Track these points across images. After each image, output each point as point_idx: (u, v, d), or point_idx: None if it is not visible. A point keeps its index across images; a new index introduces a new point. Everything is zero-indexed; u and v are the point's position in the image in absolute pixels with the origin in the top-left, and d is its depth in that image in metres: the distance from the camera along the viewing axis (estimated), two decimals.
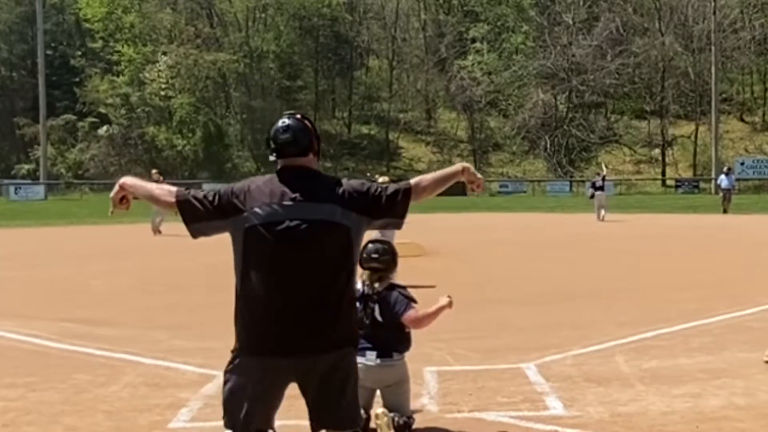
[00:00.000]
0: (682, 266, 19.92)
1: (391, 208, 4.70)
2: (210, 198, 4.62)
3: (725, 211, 42.61)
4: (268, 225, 4.47)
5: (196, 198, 4.65)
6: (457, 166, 5.00)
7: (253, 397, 4.50)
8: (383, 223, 4.81)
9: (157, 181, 29.68)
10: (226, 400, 4.58)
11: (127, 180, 4.91)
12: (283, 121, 4.73)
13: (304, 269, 4.47)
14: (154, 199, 4.87)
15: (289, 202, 4.50)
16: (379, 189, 4.68)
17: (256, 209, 4.50)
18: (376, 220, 4.73)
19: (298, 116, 4.81)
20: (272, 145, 4.70)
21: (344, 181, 4.74)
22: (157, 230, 29.91)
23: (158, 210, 29.58)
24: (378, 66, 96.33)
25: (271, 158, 4.73)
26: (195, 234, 4.72)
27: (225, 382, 4.60)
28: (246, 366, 4.53)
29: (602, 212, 37.05)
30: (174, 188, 4.79)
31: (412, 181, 4.84)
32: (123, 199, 4.89)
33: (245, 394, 4.50)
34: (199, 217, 4.63)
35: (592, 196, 38.49)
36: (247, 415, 4.50)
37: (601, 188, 37.88)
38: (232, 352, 4.63)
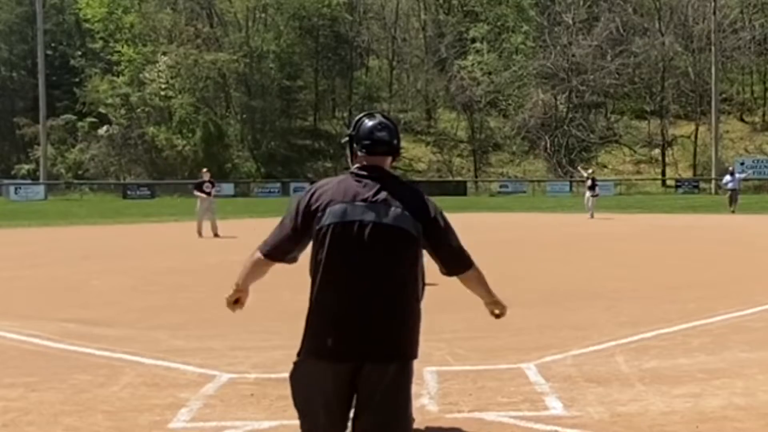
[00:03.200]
0: (682, 266, 19.91)
1: (446, 258, 4.81)
2: (289, 223, 4.67)
3: (733, 212, 42.65)
4: (341, 225, 4.50)
5: (277, 238, 4.71)
6: (501, 304, 5.15)
7: (323, 402, 4.51)
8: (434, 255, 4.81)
9: (207, 181, 29.29)
10: (299, 405, 4.66)
11: (239, 280, 4.87)
12: (381, 121, 4.81)
13: (371, 273, 4.49)
14: (255, 274, 4.85)
15: (364, 203, 4.52)
16: (447, 228, 4.76)
17: (330, 207, 4.53)
18: (431, 254, 4.76)
19: (388, 117, 4.89)
20: (365, 141, 4.73)
21: (426, 196, 4.78)
22: (210, 231, 28.88)
23: (200, 210, 29.17)
24: (378, 66, 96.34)
25: (360, 154, 4.75)
26: (293, 262, 4.82)
27: (294, 387, 4.66)
28: (312, 370, 4.53)
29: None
30: (256, 251, 4.80)
31: (473, 268, 4.91)
32: (237, 301, 4.91)
33: (316, 398, 4.52)
34: (290, 250, 4.73)
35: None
36: (322, 419, 4.54)
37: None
38: (298, 355, 4.64)
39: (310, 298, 4.59)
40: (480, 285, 4.98)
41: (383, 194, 4.55)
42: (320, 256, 4.52)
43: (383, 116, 4.85)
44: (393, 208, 4.51)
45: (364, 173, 4.64)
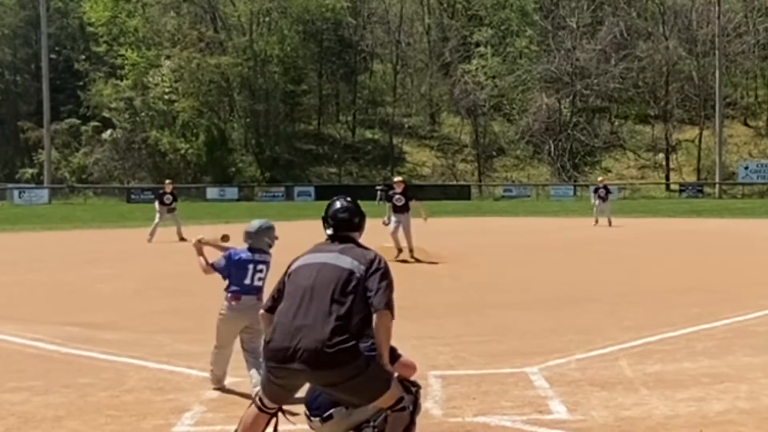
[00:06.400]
0: (685, 270, 19.89)
1: (374, 293, 5.67)
2: (280, 281, 5.99)
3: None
4: (302, 267, 5.84)
5: (277, 293, 5.96)
6: (388, 360, 5.81)
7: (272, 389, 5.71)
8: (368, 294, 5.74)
9: (168, 193, 29.99)
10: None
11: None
12: (341, 203, 6.15)
13: (325, 298, 5.59)
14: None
15: (322, 254, 5.87)
16: (384, 274, 5.75)
17: (296, 263, 5.93)
18: (366, 290, 5.69)
19: (349, 199, 6.22)
20: (330, 222, 6.07)
21: (377, 254, 5.90)
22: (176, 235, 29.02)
23: (159, 219, 29.63)
24: (382, 70, 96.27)
25: (328, 232, 6.08)
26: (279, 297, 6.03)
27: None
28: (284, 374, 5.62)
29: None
30: (263, 310, 6.07)
31: (392, 316, 5.72)
32: None
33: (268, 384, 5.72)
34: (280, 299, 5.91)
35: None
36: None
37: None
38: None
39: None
40: (387, 334, 5.73)
41: (343, 250, 5.85)
42: (286, 287, 5.85)
43: (345, 200, 6.20)
44: (344, 257, 5.77)
45: (333, 238, 6.03)
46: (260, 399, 5.77)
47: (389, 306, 5.63)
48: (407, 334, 11.23)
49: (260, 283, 8.35)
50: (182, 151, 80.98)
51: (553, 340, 10.87)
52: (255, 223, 8.65)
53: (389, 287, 5.68)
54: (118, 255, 25.11)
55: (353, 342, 5.46)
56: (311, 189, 77.44)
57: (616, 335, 11.09)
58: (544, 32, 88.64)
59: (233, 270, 8.37)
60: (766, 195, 74.55)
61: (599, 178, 46.07)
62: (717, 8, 79.87)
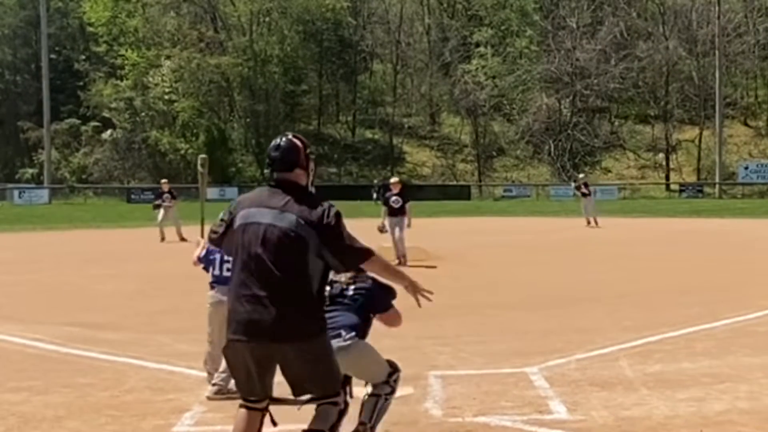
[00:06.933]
0: (686, 270, 19.90)
1: (341, 256, 5.34)
2: (222, 220, 5.55)
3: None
4: (247, 225, 5.32)
5: (214, 232, 5.62)
6: (406, 280, 5.68)
7: (245, 373, 5.33)
8: (331, 261, 5.35)
9: (165, 192, 30.23)
10: (233, 375, 5.56)
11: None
12: (276, 141, 5.58)
13: (268, 267, 5.17)
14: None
15: (266, 209, 5.32)
16: (339, 230, 5.33)
17: (242, 212, 5.39)
18: (327, 254, 5.30)
19: (290, 136, 5.66)
20: (267, 163, 5.58)
21: (324, 205, 5.41)
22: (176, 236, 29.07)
23: (162, 219, 29.73)
24: (382, 70, 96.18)
25: (266, 171, 5.69)
26: (226, 252, 5.89)
27: (226, 360, 5.52)
28: (229, 344, 5.31)
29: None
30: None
31: (374, 254, 5.48)
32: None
33: (240, 370, 5.35)
34: (221, 242, 5.61)
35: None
36: (245, 386, 5.38)
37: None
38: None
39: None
40: (384, 270, 5.65)
41: (286, 203, 5.32)
42: (234, 252, 5.40)
43: (282, 136, 5.64)
44: (289, 215, 5.26)
45: (275, 185, 5.47)
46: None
47: (364, 254, 5.38)
48: (407, 334, 11.24)
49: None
50: (182, 151, 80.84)
51: (553, 340, 10.88)
52: None
53: (350, 239, 5.34)
54: (118, 255, 25.13)
55: (304, 314, 5.19)
56: (311, 189, 77.21)
57: (617, 335, 11.09)
58: (544, 32, 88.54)
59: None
60: (766, 195, 74.54)
61: (580, 175, 46.05)
62: (717, 8, 79.85)
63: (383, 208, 21.28)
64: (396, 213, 20.85)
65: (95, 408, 7.85)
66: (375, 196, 58.16)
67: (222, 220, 5.53)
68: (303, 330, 5.19)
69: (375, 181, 69.17)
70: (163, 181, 33.68)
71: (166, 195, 30.49)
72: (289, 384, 5.36)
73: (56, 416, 7.60)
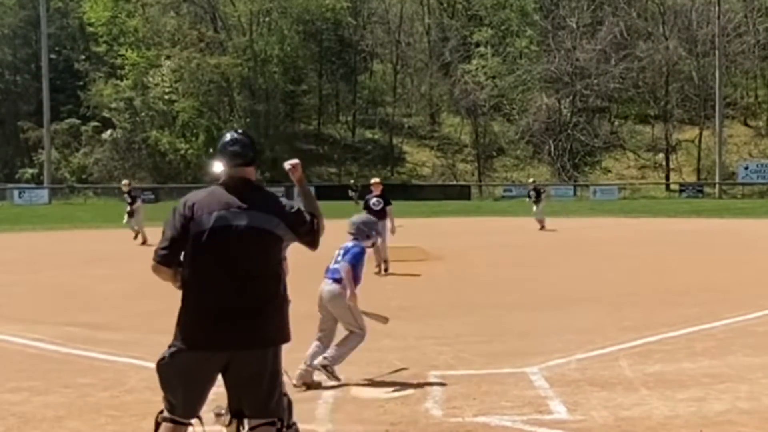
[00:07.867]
0: (685, 270, 19.92)
1: (314, 235, 5.38)
2: (176, 227, 5.18)
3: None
4: (216, 229, 5.05)
5: (164, 249, 5.22)
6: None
7: (185, 387, 5.07)
8: (299, 240, 5.36)
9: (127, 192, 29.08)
10: (165, 389, 5.14)
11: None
12: (231, 135, 5.45)
13: (243, 271, 5.04)
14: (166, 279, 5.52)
15: (236, 210, 5.11)
16: (302, 215, 5.36)
17: (203, 216, 5.10)
18: (298, 237, 5.32)
19: (241, 131, 5.61)
20: (219, 157, 5.37)
21: (282, 198, 5.43)
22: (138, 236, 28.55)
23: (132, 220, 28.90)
24: (382, 70, 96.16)
25: (216, 168, 5.38)
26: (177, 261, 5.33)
27: (160, 373, 5.13)
28: (181, 358, 5.05)
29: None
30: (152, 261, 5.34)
31: (318, 213, 5.49)
32: None
33: (181, 383, 5.06)
34: (175, 257, 5.26)
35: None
36: (181, 401, 5.12)
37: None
38: (169, 346, 5.20)
39: (185, 295, 5.32)
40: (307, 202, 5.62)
41: (250, 201, 5.16)
42: (196, 258, 5.12)
43: (236, 131, 5.55)
44: (258, 213, 5.12)
45: (232, 184, 5.26)
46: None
47: (318, 220, 5.43)
48: (407, 334, 11.25)
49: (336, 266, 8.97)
50: (182, 151, 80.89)
51: (553, 340, 10.88)
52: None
53: (301, 213, 5.37)
54: (118, 255, 25.11)
55: (284, 315, 5.16)
56: (311, 189, 77.22)
57: (616, 335, 11.09)
58: (544, 32, 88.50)
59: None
60: (766, 195, 74.50)
61: (530, 180, 46.55)
62: (717, 8, 79.82)
63: (363, 212, 20.29)
64: (376, 216, 19.74)
65: (95, 408, 7.85)
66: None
67: (173, 231, 5.18)
68: (285, 332, 5.16)
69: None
70: (124, 182, 31.44)
71: (125, 195, 29.31)
72: (243, 400, 5.15)
73: (56, 416, 7.60)
